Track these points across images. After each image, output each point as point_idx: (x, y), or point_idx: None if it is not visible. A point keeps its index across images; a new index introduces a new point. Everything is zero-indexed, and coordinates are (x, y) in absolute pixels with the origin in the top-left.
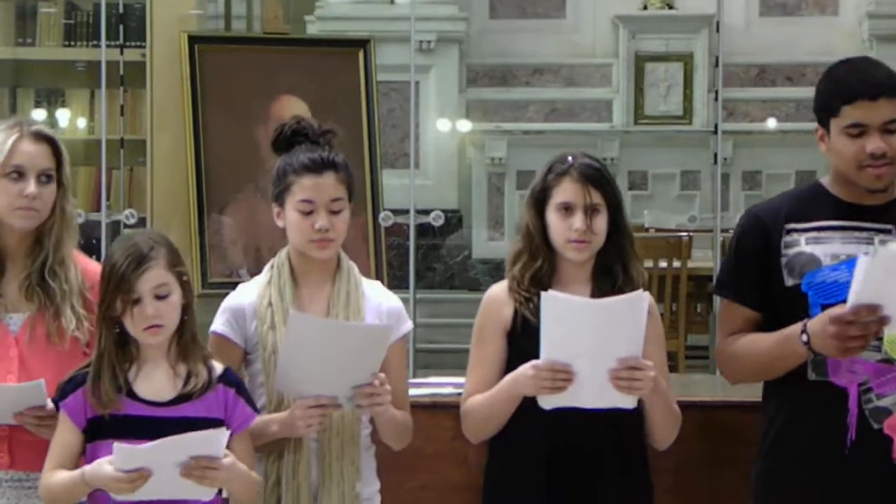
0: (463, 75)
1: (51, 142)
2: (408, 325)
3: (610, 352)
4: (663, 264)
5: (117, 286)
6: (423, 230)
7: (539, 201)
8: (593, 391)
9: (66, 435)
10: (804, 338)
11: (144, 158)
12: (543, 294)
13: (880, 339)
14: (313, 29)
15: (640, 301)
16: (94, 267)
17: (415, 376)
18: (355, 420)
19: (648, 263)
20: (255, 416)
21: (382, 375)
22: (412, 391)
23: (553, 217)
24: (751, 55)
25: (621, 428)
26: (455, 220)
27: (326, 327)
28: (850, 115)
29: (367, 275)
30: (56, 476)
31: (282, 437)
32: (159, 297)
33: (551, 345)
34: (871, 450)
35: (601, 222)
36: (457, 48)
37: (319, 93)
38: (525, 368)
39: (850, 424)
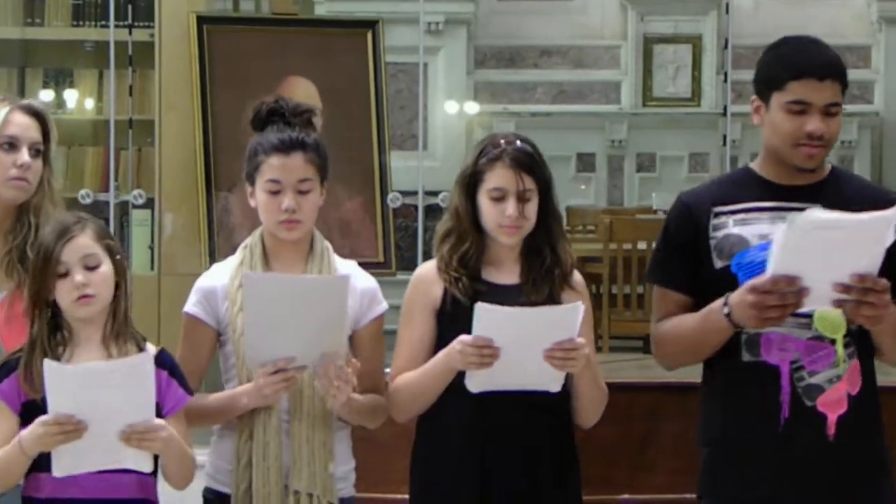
0: (471, 57)
1: (41, 118)
2: (382, 307)
3: (539, 345)
4: None
5: (45, 261)
6: (431, 211)
7: (470, 185)
8: (520, 374)
9: (1, 419)
10: (725, 310)
11: (153, 139)
12: (476, 305)
13: (810, 316)
14: (322, 10)
15: (575, 312)
16: None
17: None
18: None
19: None
20: (188, 397)
21: (356, 362)
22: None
23: (485, 202)
24: (760, 37)
25: (551, 409)
26: None
27: (281, 282)
28: (794, 92)
29: (374, 256)
30: None
31: (253, 407)
32: (88, 268)
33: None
34: (804, 427)
35: (532, 207)
36: (465, 30)
37: (328, 74)
38: (454, 343)
39: (783, 402)
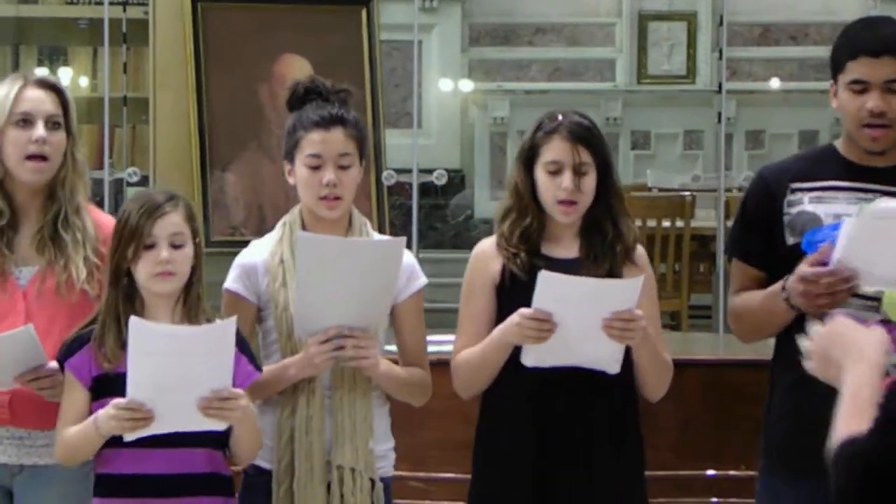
0: (465, 34)
1: (56, 89)
2: (421, 281)
3: (597, 321)
4: (666, 224)
5: (132, 233)
6: (425, 189)
7: (528, 159)
8: (576, 351)
9: (72, 394)
10: (784, 294)
11: (147, 116)
12: (540, 273)
13: (878, 299)
14: None
15: (634, 286)
16: (107, 220)
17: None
18: (366, 377)
19: (652, 223)
20: (258, 373)
21: (370, 331)
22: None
23: (542, 176)
24: (754, 14)
25: (611, 391)
26: (457, 180)
27: (336, 244)
28: (853, 71)
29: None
30: (69, 431)
31: (301, 377)
32: (174, 246)
33: (541, 306)
34: None
35: (590, 182)
36: (459, 7)
37: (322, 52)
38: (513, 317)
39: None
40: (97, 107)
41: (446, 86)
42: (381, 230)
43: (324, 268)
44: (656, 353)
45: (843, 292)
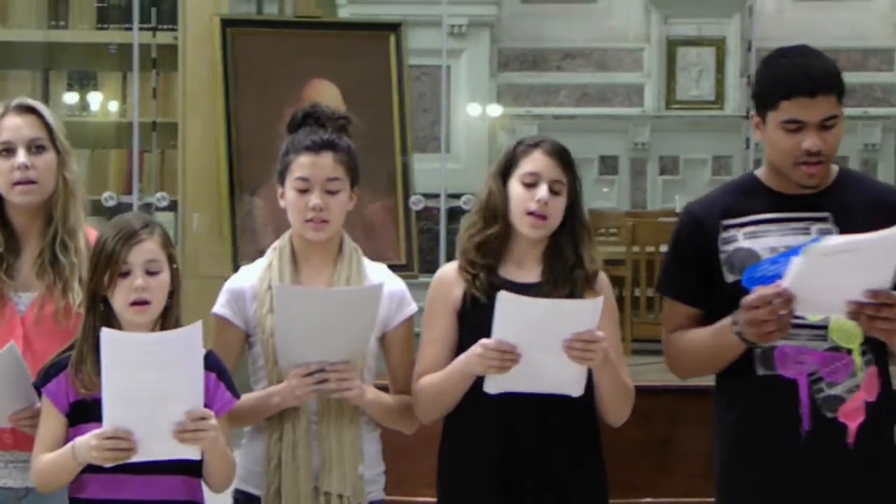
0: (494, 59)
1: (35, 112)
2: (411, 309)
3: (559, 343)
4: None
5: (107, 259)
6: (453, 214)
7: (504, 171)
8: (539, 376)
9: (49, 420)
10: (735, 328)
11: (176, 141)
12: (498, 294)
13: (824, 328)
14: (345, 13)
15: (595, 306)
16: None
17: None
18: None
19: None
20: (235, 401)
21: (352, 362)
22: None
23: (516, 188)
24: (783, 40)
25: (572, 412)
26: None
27: (313, 296)
28: (787, 111)
29: (397, 258)
30: (45, 458)
31: (284, 407)
32: (149, 273)
33: (501, 333)
34: (825, 438)
35: (560, 203)
36: (488, 32)
37: (351, 77)
38: (474, 347)
39: (804, 415)
40: (126, 131)
41: (475, 110)
42: (408, 255)
43: (302, 316)
44: (617, 376)
45: (786, 316)
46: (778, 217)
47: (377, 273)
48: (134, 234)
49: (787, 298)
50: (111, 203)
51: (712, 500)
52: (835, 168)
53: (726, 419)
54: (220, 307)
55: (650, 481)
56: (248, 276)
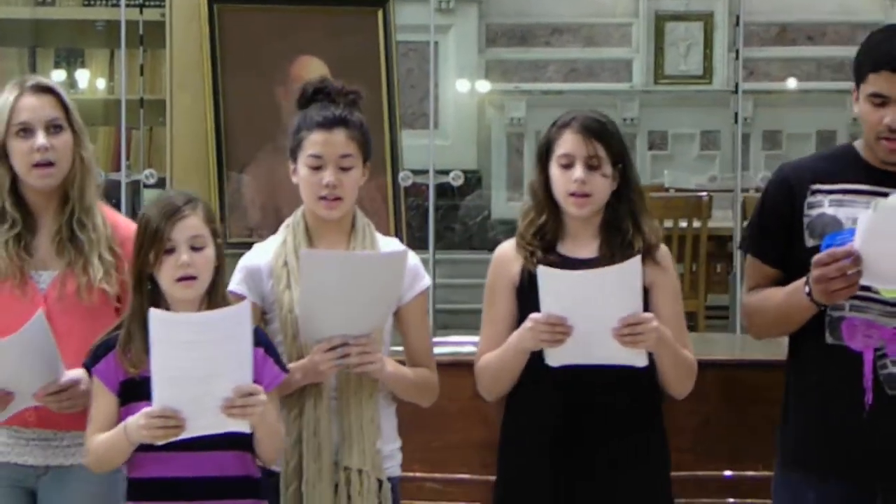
0: (482, 35)
1: (53, 92)
2: (425, 282)
3: (609, 314)
4: (683, 224)
5: (152, 237)
6: (442, 190)
7: (543, 155)
8: (599, 348)
9: (101, 400)
10: (806, 289)
11: (164, 118)
12: (538, 269)
13: None
14: None
15: (631, 268)
16: (124, 222)
17: (434, 336)
18: (372, 378)
19: (668, 223)
20: (284, 375)
21: (372, 335)
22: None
23: (555, 171)
24: (771, 14)
25: (633, 387)
26: (474, 181)
27: (340, 259)
28: (873, 84)
29: (386, 235)
30: (99, 438)
31: (306, 382)
32: (194, 249)
33: (549, 307)
34: (886, 415)
35: (602, 176)
36: (476, 8)
37: (339, 53)
38: (525, 322)
39: (867, 389)
40: (114, 109)
41: (463, 87)
42: (397, 231)
43: (327, 282)
44: (676, 352)
45: (854, 276)
46: (867, 189)
47: (391, 247)
48: (177, 211)
49: (857, 258)
50: (99, 180)
51: (703, 473)
52: None
53: (793, 386)
54: (235, 284)
55: None
56: (263, 254)
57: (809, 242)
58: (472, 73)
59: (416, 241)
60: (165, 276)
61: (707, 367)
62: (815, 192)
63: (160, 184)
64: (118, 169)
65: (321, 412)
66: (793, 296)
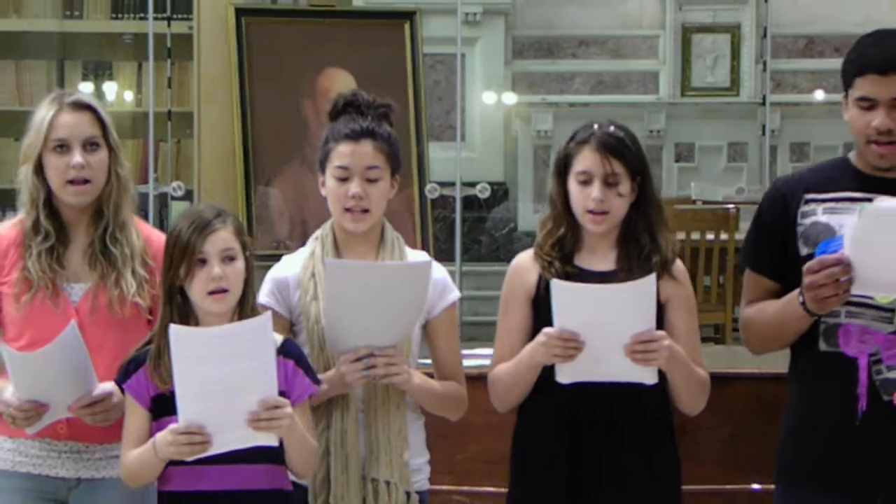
0: (509, 47)
1: (91, 109)
2: (454, 295)
3: (621, 330)
4: (710, 236)
5: (183, 250)
6: (468, 203)
7: (561, 169)
8: (609, 365)
9: (133, 416)
10: (800, 298)
11: (191, 131)
12: (552, 282)
13: (893, 310)
14: (359, 1)
15: (646, 285)
16: (157, 236)
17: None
18: (400, 390)
19: (696, 236)
20: (315, 387)
21: (398, 347)
22: (467, 363)
23: (573, 186)
24: (799, 26)
25: (643, 403)
26: (501, 193)
27: (364, 269)
28: (860, 88)
29: (412, 247)
30: (132, 454)
31: (334, 394)
32: (225, 261)
33: (563, 322)
34: (881, 421)
35: (621, 192)
36: (503, 20)
37: (365, 65)
38: (538, 336)
39: (861, 395)
40: (142, 121)
41: (490, 99)
42: (424, 243)
43: (352, 292)
44: (689, 370)
45: (845, 283)
46: (861, 196)
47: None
48: (208, 224)
49: (847, 265)
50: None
51: (732, 486)
52: None
53: (791, 394)
54: (264, 296)
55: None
56: (291, 266)
57: (804, 251)
58: (498, 85)
59: (443, 253)
60: (197, 289)
61: (735, 381)
62: (808, 202)
63: (187, 196)
64: (146, 181)
65: (348, 424)
66: (787, 305)
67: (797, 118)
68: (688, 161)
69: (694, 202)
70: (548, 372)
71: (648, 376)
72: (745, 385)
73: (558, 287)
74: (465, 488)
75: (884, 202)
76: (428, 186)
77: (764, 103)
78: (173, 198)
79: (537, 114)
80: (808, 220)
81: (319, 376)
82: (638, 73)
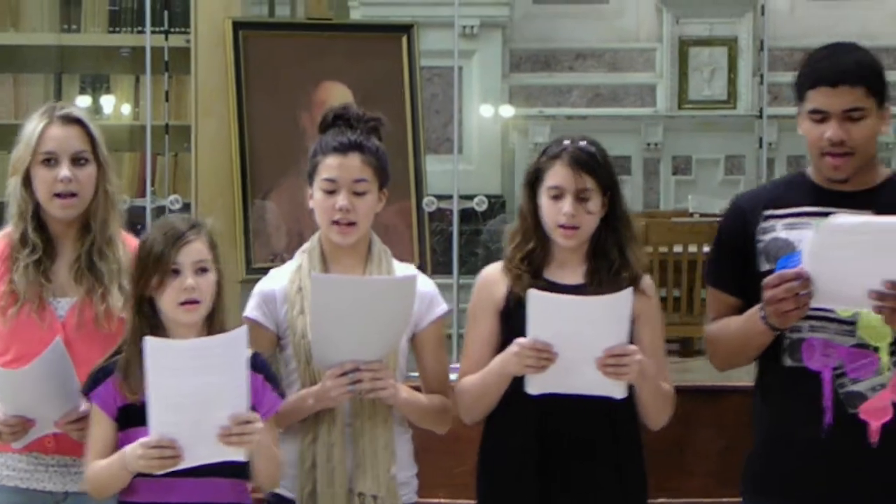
0: (506, 60)
1: (81, 123)
2: (441, 308)
3: (595, 343)
4: (707, 249)
5: (156, 261)
6: (466, 215)
7: (532, 183)
8: (580, 378)
9: (99, 426)
10: (761, 312)
11: (189, 144)
12: (529, 292)
13: (853, 323)
14: (357, 14)
15: (623, 299)
16: None
17: (457, 361)
18: (387, 404)
19: (693, 248)
20: (282, 401)
21: (384, 361)
22: (455, 377)
23: (544, 200)
24: (795, 39)
25: (613, 416)
26: (498, 206)
27: (350, 283)
28: (813, 100)
29: (409, 259)
30: (97, 465)
31: (319, 408)
32: (199, 273)
33: (536, 332)
34: (846, 434)
35: (592, 208)
36: (500, 33)
37: (363, 78)
38: (511, 346)
39: (826, 409)
40: (139, 134)
41: (487, 112)
42: (421, 256)
43: (338, 306)
44: (657, 385)
45: (805, 297)
46: (819, 211)
47: (406, 273)
48: (182, 236)
49: (806, 279)
50: (124, 206)
51: (727, 500)
52: (887, 170)
53: (758, 407)
54: (251, 310)
55: (664, 482)
56: (278, 279)
57: (764, 267)
58: (496, 98)
59: (440, 266)
60: (168, 299)
61: (729, 394)
62: (767, 218)
63: (185, 209)
64: (143, 195)
65: (335, 438)
66: (749, 321)
67: (794, 131)
68: (685, 174)
69: (691, 215)
70: (517, 383)
71: (618, 390)
72: (739, 398)
73: (535, 297)
74: (461, 501)
75: (838, 218)
76: (425, 199)
77: (761, 116)
78: (171, 211)
79: (534, 127)
80: (767, 237)
81: (305, 391)
82: (635, 86)
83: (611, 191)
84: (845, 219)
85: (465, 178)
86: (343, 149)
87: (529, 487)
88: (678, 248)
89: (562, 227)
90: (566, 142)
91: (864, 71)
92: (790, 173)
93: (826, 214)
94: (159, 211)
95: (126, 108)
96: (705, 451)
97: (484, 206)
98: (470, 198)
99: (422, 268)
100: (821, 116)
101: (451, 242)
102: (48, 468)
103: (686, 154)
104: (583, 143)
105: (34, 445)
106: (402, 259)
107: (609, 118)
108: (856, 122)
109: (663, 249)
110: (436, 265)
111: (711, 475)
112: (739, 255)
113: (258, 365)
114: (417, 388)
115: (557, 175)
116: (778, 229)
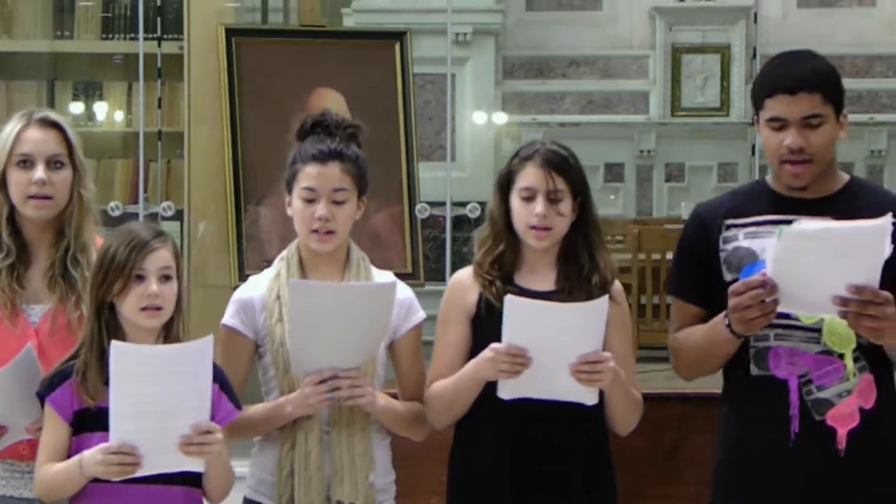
0: (499, 67)
1: (59, 127)
2: (419, 316)
3: (569, 349)
4: None
5: (120, 268)
6: (459, 222)
7: (503, 186)
8: (553, 383)
9: (53, 429)
10: (726, 320)
11: (182, 151)
12: (506, 298)
13: (818, 330)
14: (350, 21)
15: (599, 306)
16: None
17: None
18: (365, 411)
19: None
20: (237, 412)
21: (363, 368)
22: None
23: (516, 202)
24: (788, 46)
25: (585, 422)
26: None
27: (328, 290)
28: (771, 109)
29: (403, 267)
30: (51, 469)
31: (297, 416)
32: (163, 280)
33: (512, 338)
34: (813, 441)
35: (563, 209)
36: (493, 40)
37: (356, 85)
38: (485, 351)
39: (793, 416)
40: (132, 141)
41: (480, 119)
42: (414, 263)
43: (316, 313)
44: (627, 391)
45: (771, 304)
46: (780, 219)
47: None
48: (147, 244)
49: (772, 286)
50: (117, 213)
51: None
52: (845, 176)
53: (723, 418)
54: (229, 318)
55: (658, 489)
56: (257, 286)
57: (728, 276)
58: (489, 105)
59: (433, 273)
60: (130, 304)
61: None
62: (729, 227)
63: (178, 216)
64: (136, 201)
65: (312, 445)
66: (713, 329)
67: None
68: (678, 181)
69: (684, 222)
70: (488, 389)
71: (590, 397)
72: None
73: (511, 302)
74: None
75: (801, 224)
76: (418, 206)
77: (753, 123)
78: (163, 218)
79: (527, 134)
80: (730, 246)
81: (284, 398)
82: (628, 94)
83: (581, 196)
84: (808, 225)
85: (457, 185)
86: (323, 157)
87: (502, 493)
88: (671, 255)
89: (533, 228)
90: (538, 144)
91: (821, 78)
92: (750, 182)
93: (787, 222)
94: (152, 218)
95: (119, 115)
96: (699, 458)
97: (477, 213)
98: (463, 205)
99: (414, 275)
100: (779, 124)
101: (444, 249)
102: (24, 475)
103: (679, 161)
104: (554, 146)
105: (9, 452)
106: (394, 266)
107: (602, 125)
108: (814, 128)
109: (656, 256)
110: (428, 272)
111: (705, 482)
112: (701, 265)
113: (214, 375)
114: (395, 396)
115: (529, 176)
116: (740, 238)
